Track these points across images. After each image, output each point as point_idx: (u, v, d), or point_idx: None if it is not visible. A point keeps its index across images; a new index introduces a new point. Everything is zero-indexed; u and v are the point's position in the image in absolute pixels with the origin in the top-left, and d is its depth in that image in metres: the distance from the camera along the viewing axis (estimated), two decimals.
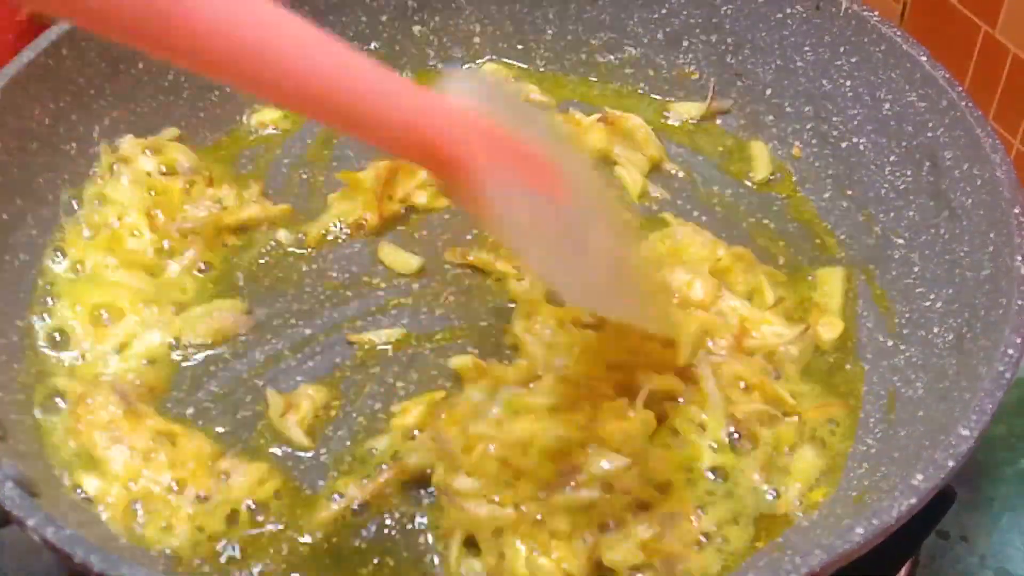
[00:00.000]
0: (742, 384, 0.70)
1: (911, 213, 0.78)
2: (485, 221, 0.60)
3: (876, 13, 0.81)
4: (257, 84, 0.53)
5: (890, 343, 0.75)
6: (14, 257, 0.76)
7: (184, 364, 0.74)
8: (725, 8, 0.90)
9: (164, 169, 0.83)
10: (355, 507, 0.66)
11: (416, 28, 0.95)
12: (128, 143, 0.83)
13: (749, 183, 0.88)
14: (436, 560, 0.64)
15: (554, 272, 0.60)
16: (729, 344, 0.72)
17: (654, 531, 0.63)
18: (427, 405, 0.69)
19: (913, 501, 0.55)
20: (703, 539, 0.64)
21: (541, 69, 0.96)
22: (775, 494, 0.67)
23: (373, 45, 0.95)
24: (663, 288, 0.73)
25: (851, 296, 0.79)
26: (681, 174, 0.88)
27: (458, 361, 0.72)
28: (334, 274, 0.80)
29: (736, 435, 0.68)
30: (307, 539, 0.65)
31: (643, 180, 0.86)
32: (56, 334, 0.74)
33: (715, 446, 0.68)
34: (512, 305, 0.77)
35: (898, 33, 0.80)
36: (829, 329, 0.76)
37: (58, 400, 0.70)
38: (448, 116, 0.56)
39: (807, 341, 0.74)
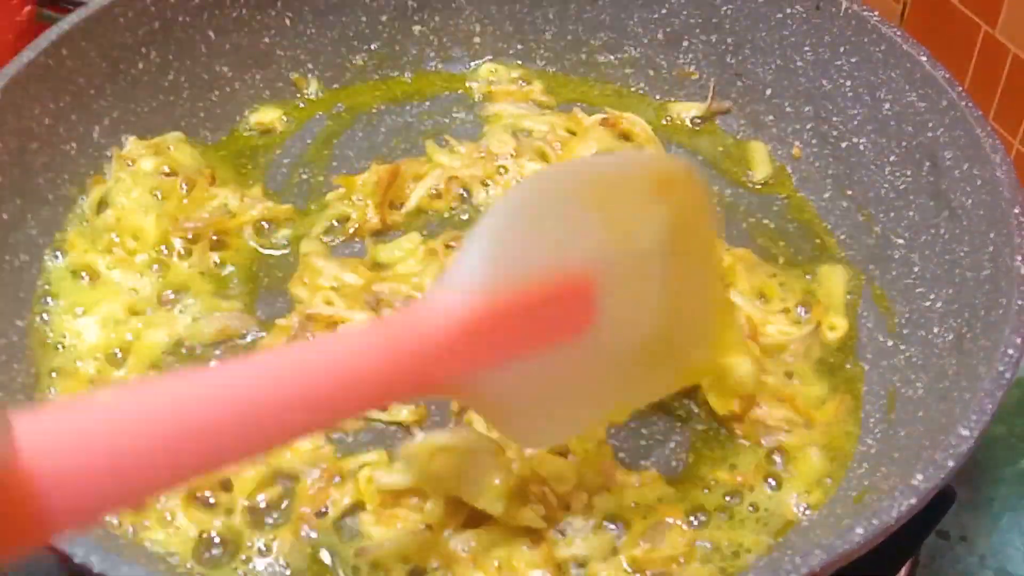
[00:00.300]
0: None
1: (911, 213, 0.78)
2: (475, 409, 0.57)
3: (876, 13, 0.81)
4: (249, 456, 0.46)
5: (890, 343, 0.75)
6: (14, 257, 0.76)
7: (186, 364, 0.74)
8: (725, 8, 0.90)
9: (166, 170, 0.83)
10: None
11: (416, 28, 0.95)
12: (131, 144, 0.83)
13: (749, 183, 0.88)
14: None
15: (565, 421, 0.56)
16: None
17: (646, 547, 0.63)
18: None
19: (913, 501, 0.55)
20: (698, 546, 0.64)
21: (541, 69, 0.96)
22: (775, 495, 0.67)
23: (373, 45, 0.95)
24: (726, 311, 0.68)
25: (851, 296, 0.79)
26: None
27: None
28: None
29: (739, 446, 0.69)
30: (311, 539, 0.65)
31: None
32: (56, 334, 0.74)
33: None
34: None
35: (898, 33, 0.80)
36: (833, 329, 0.76)
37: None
38: (419, 351, 0.47)
39: (816, 339, 0.74)
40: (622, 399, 0.60)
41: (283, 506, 0.66)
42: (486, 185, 0.85)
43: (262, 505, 0.66)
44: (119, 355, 0.73)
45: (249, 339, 0.75)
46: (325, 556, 0.64)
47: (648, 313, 0.56)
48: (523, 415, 0.53)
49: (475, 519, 0.64)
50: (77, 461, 0.38)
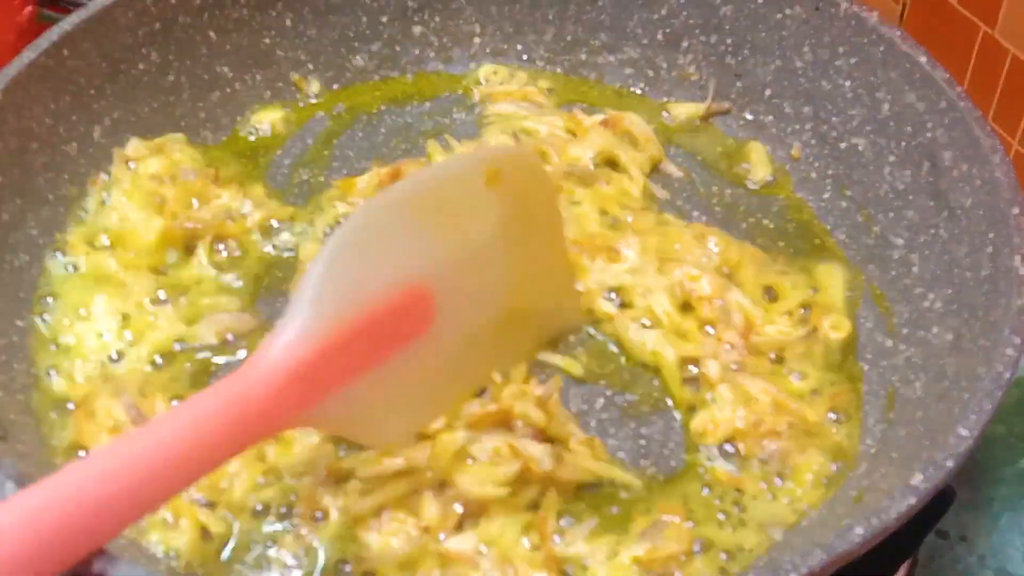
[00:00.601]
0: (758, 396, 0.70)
1: (910, 213, 0.78)
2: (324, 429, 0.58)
3: (875, 13, 0.81)
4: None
5: (889, 343, 0.75)
6: (14, 257, 0.76)
7: (187, 364, 0.74)
8: (724, 9, 0.90)
9: (168, 170, 0.83)
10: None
11: (416, 29, 0.95)
12: (132, 145, 0.83)
13: (748, 183, 0.88)
14: None
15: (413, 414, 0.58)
16: (735, 342, 0.73)
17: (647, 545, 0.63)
18: None
19: (912, 501, 0.55)
20: (698, 548, 0.64)
21: (541, 70, 0.96)
22: (774, 496, 0.67)
23: (374, 46, 0.95)
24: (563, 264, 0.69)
25: (851, 296, 0.79)
26: (680, 175, 0.88)
27: None
28: None
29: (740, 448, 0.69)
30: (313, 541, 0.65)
31: (644, 180, 0.86)
32: (57, 334, 0.74)
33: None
34: None
35: (897, 34, 0.80)
36: (836, 329, 0.76)
37: (59, 401, 0.71)
38: (259, 404, 0.51)
39: (817, 341, 0.74)
40: (483, 371, 0.62)
41: (283, 508, 0.66)
42: None
43: (261, 507, 0.66)
44: (119, 355, 0.74)
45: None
46: (322, 558, 0.64)
47: (489, 298, 0.58)
48: (377, 419, 0.56)
49: (472, 517, 0.64)
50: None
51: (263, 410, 0.51)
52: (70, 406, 0.70)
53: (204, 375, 0.73)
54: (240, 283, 0.79)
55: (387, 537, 0.63)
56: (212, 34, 0.88)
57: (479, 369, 0.62)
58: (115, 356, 0.74)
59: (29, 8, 0.99)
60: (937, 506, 0.63)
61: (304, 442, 0.67)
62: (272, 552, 0.64)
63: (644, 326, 0.75)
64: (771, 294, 0.78)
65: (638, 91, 0.95)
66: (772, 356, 0.73)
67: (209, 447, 0.50)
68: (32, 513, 0.45)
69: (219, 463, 0.52)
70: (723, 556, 0.64)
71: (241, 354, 0.75)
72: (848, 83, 0.84)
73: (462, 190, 0.60)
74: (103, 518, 0.47)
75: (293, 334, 0.53)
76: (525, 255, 0.62)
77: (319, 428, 0.58)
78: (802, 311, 0.76)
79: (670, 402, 0.72)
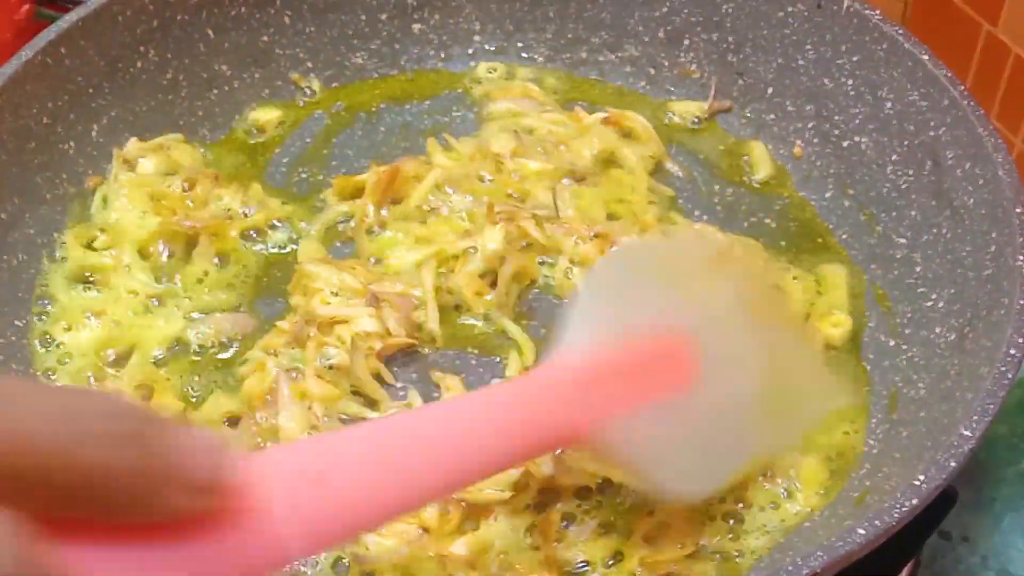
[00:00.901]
0: None
1: (913, 213, 0.78)
2: (611, 463, 0.61)
3: (878, 12, 0.81)
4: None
5: (892, 343, 0.75)
6: (12, 257, 0.76)
7: (186, 365, 0.74)
8: (726, 7, 0.89)
9: (167, 170, 0.83)
10: None
11: (416, 27, 0.95)
12: (132, 145, 0.83)
13: (750, 182, 0.88)
14: None
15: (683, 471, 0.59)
16: None
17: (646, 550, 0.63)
18: None
19: (915, 502, 0.55)
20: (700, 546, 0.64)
21: (541, 67, 0.96)
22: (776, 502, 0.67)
23: (373, 44, 0.95)
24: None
25: (853, 295, 0.78)
26: (681, 174, 0.88)
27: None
28: None
29: None
30: None
31: (648, 178, 0.85)
32: (55, 335, 0.74)
33: None
34: None
35: (900, 32, 0.79)
36: (837, 328, 0.75)
37: None
38: (546, 403, 0.54)
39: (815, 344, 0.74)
40: (750, 448, 0.63)
41: None
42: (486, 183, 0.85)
43: None
44: (117, 356, 0.73)
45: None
46: (321, 557, 0.64)
47: (746, 369, 0.60)
48: (656, 464, 0.57)
49: (472, 519, 0.64)
50: (306, 493, 0.41)
51: (552, 411, 0.53)
52: None
53: (204, 376, 0.73)
54: (239, 283, 0.79)
55: (386, 538, 0.63)
56: (210, 32, 0.88)
57: (750, 442, 0.63)
58: (113, 357, 0.73)
59: (27, 6, 0.99)
60: (940, 507, 0.63)
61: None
62: None
63: None
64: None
65: (639, 89, 0.94)
66: None
67: (500, 440, 0.51)
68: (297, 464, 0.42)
69: (504, 463, 0.54)
70: (725, 557, 0.64)
71: (242, 354, 0.74)
72: (850, 81, 0.84)
73: (696, 263, 0.64)
74: (370, 493, 0.44)
75: (577, 348, 0.55)
76: (768, 337, 0.64)
77: (604, 452, 0.59)
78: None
79: None
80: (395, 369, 0.73)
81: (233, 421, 0.70)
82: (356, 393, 0.71)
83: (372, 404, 0.71)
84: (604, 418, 0.54)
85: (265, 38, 0.91)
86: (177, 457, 0.34)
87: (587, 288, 0.59)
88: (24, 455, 0.31)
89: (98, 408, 0.33)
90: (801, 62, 0.87)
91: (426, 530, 0.63)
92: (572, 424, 0.54)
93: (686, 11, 0.91)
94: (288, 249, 0.81)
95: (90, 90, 0.82)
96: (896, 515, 0.55)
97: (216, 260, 0.79)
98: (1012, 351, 0.61)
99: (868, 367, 0.74)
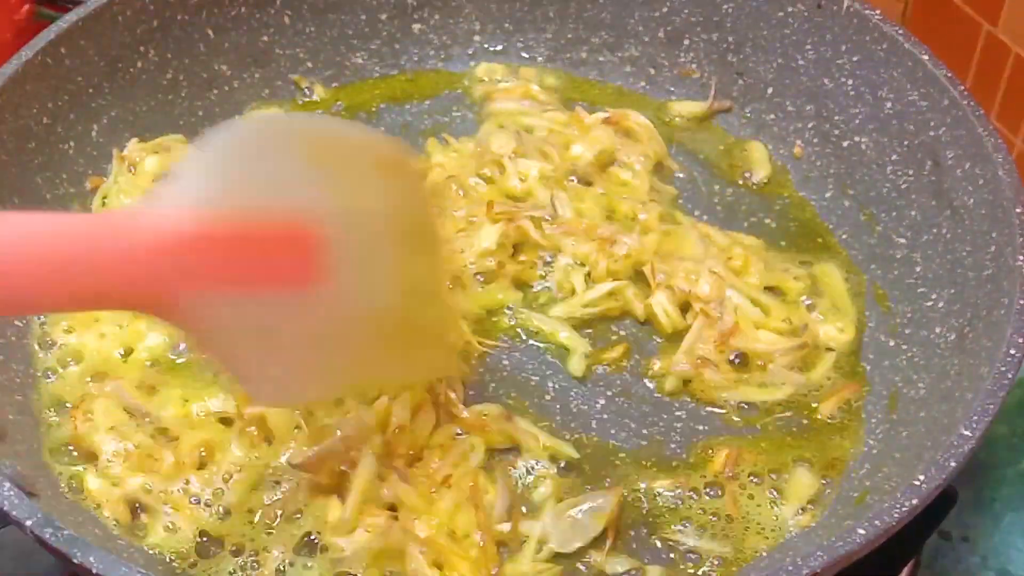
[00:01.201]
0: None
1: (913, 213, 0.78)
2: (196, 343, 0.55)
3: (878, 11, 0.81)
4: None
5: (892, 343, 0.75)
6: None
7: (187, 365, 0.73)
8: (726, 7, 0.89)
9: (166, 170, 0.82)
10: None
11: (416, 27, 0.95)
12: (132, 145, 0.83)
13: (749, 183, 0.87)
14: None
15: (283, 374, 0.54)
16: (715, 340, 0.73)
17: None
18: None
19: (915, 502, 0.55)
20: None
21: (541, 67, 0.96)
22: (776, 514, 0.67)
23: (373, 44, 0.95)
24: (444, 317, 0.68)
25: (853, 295, 0.78)
26: (682, 174, 0.88)
27: None
28: None
29: None
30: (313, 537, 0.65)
31: (649, 178, 0.85)
32: (55, 337, 0.74)
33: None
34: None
35: (900, 32, 0.79)
36: (843, 334, 0.75)
37: (57, 401, 0.70)
38: (131, 255, 0.48)
39: (800, 354, 0.74)
40: (362, 370, 0.59)
41: (278, 511, 0.65)
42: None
43: (258, 509, 0.66)
44: (119, 356, 0.73)
45: None
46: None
47: (380, 284, 0.55)
48: (252, 361, 0.53)
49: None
50: None
51: (139, 258, 0.48)
52: (68, 406, 0.70)
53: (203, 376, 0.73)
54: None
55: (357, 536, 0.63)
56: (210, 32, 0.88)
57: (365, 363, 0.59)
58: (114, 356, 0.73)
59: (27, 6, 0.99)
60: (939, 507, 0.63)
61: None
62: (269, 554, 0.64)
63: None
64: (775, 292, 0.77)
65: (639, 89, 0.94)
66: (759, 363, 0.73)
67: (61, 273, 0.46)
68: None
69: (63, 301, 0.49)
70: (725, 557, 0.64)
71: None
72: (850, 81, 0.84)
73: (356, 156, 0.58)
74: None
75: (182, 208, 0.49)
76: (412, 260, 0.59)
77: (188, 327, 0.52)
78: (801, 326, 0.76)
79: (667, 399, 0.73)
80: None
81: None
82: None
83: None
84: (196, 292, 0.49)
85: (265, 38, 0.91)
86: None
87: (212, 144, 0.52)
88: None
89: None
90: (801, 62, 0.87)
91: (394, 516, 0.63)
92: (152, 288, 0.48)
93: (686, 11, 0.91)
94: None
95: (90, 90, 0.82)
96: (896, 515, 0.55)
97: None
98: (1012, 351, 0.61)
99: (868, 367, 0.74)
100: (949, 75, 0.76)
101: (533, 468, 0.68)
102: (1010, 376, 0.60)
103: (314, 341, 0.54)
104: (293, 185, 0.53)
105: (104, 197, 0.80)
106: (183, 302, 0.49)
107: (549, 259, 0.79)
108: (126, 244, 0.48)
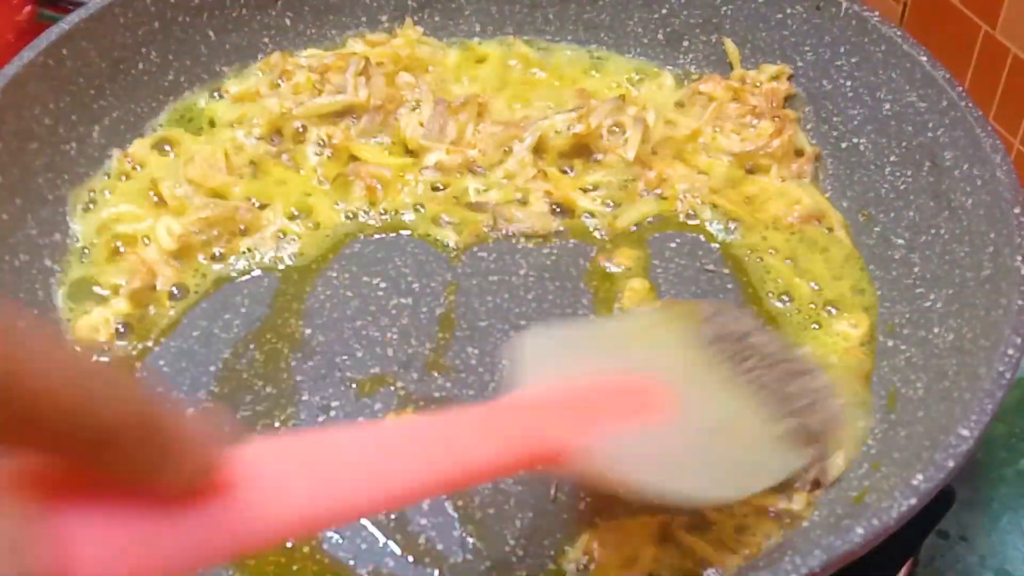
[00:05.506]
0: None
1: (911, 213, 0.78)
2: (597, 480, 0.60)
3: (876, 13, 0.81)
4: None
5: (890, 343, 0.75)
6: (14, 257, 0.76)
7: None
8: (725, 8, 0.90)
9: (168, 171, 0.83)
10: None
11: (416, 28, 0.95)
12: (135, 145, 0.83)
13: None
14: None
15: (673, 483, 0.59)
16: None
17: None
18: None
19: (913, 501, 0.55)
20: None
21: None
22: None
23: None
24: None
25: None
26: None
27: None
28: (333, 274, 0.80)
29: None
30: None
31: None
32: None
33: None
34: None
35: (898, 33, 0.80)
36: (856, 328, 0.75)
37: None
38: (524, 422, 0.55)
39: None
40: (721, 479, 0.64)
41: None
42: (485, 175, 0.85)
43: None
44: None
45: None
46: None
47: (709, 401, 0.62)
48: (651, 476, 0.58)
49: None
50: (291, 479, 0.43)
51: (522, 428, 0.54)
52: None
53: (203, 376, 0.73)
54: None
55: None
56: (212, 34, 0.88)
57: (720, 469, 0.63)
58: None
59: (28, 8, 0.99)
60: (938, 506, 0.63)
61: None
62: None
63: None
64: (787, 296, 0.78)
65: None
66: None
67: (469, 452, 0.52)
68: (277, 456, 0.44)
69: (473, 476, 0.54)
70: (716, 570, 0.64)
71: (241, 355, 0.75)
72: (849, 83, 0.84)
73: (647, 325, 0.68)
74: (347, 488, 0.46)
75: (536, 384, 0.57)
76: (722, 391, 0.65)
77: (584, 468, 0.58)
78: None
79: None
80: None
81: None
82: None
83: None
84: (581, 438, 0.54)
85: (266, 39, 0.91)
86: (179, 433, 0.37)
87: (525, 351, 0.60)
88: (51, 402, 0.33)
89: (114, 376, 0.35)
90: (800, 63, 0.87)
91: None
92: (544, 441, 0.54)
93: (685, 13, 0.91)
94: (295, 253, 0.81)
95: (92, 91, 0.82)
96: (895, 515, 0.55)
97: (213, 259, 0.80)
98: (1010, 351, 0.61)
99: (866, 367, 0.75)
100: (947, 76, 0.76)
101: None
102: (1008, 376, 0.60)
103: (682, 451, 0.60)
104: (618, 360, 0.62)
105: (103, 197, 0.81)
106: (572, 449, 0.55)
107: None
108: (517, 416, 0.56)
